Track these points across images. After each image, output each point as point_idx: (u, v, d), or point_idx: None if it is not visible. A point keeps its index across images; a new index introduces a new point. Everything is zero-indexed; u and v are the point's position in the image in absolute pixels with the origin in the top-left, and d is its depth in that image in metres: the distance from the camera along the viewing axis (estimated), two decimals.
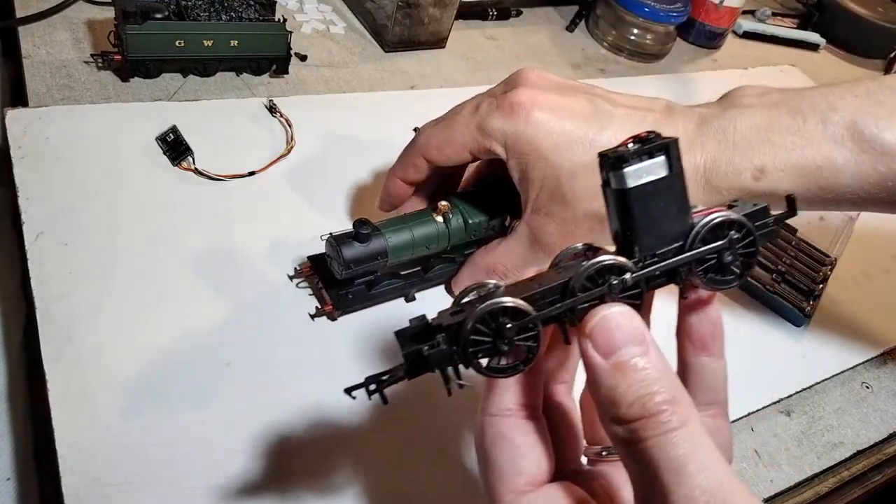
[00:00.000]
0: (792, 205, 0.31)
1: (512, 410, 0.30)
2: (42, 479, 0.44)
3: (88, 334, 0.44)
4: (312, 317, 0.51)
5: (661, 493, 0.23)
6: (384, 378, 0.27)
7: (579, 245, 0.31)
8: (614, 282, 0.28)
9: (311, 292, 0.52)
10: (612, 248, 0.29)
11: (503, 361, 0.28)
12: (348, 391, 0.27)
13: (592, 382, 0.26)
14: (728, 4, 1.02)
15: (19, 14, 0.64)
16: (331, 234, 0.48)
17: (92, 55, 0.63)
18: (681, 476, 0.23)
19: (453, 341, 0.26)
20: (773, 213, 0.31)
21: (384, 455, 0.45)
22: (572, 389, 0.34)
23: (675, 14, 0.94)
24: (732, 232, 0.29)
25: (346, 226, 0.49)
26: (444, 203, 0.52)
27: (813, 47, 1.21)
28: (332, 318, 0.51)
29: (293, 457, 0.43)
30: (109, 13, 0.61)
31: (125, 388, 0.43)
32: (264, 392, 0.46)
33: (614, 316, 0.26)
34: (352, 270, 0.48)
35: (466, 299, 0.28)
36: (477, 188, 0.56)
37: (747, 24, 1.16)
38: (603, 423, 0.26)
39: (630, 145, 0.27)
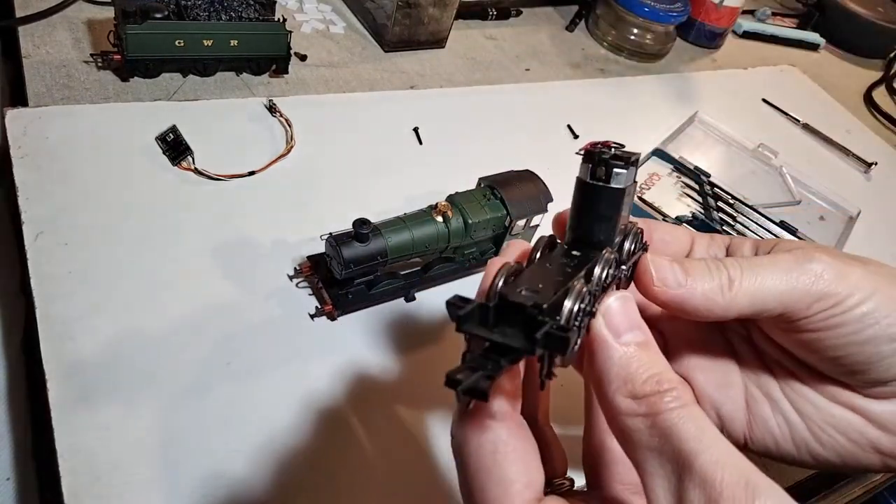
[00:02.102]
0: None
1: (507, 414, 0.28)
2: (42, 479, 0.44)
3: (88, 334, 0.44)
4: (312, 317, 0.51)
5: (687, 460, 0.23)
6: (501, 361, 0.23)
7: (545, 236, 0.32)
8: (619, 274, 0.29)
9: (311, 292, 0.52)
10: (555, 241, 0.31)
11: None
12: (460, 387, 0.22)
13: (604, 360, 0.27)
14: (728, 4, 1.02)
15: (19, 14, 0.64)
16: (331, 234, 0.48)
17: (92, 55, 0.63)
18: (702, 443, 0.24)
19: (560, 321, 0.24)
20: None
21: (384, 452, 0.45)
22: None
23: (674, 14, 0.94)
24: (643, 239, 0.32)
25: (346, 226, 0.49)
26: (444, 203, 0.52)
27: (813, 47, 1.21)
28: (332, 318, 0.51)
29: (293, 456, 0.43)
30: (109, 13, 0.61)
31: (125, 387, 0.43)
32: (264, 392, 0.46)
33: (625, 300, 0.28)
34: (352, 270, 0.48)
35: (503, 284, 0.26)
36: (477, 188, 0.56)
37: (747, 23, 1.16)
38: (611, 400, 0.26)
39: (612, 149, 0.29)
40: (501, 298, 0.25)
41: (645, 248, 0.32)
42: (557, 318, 0.24)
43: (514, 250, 0.32)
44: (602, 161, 0.29)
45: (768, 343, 0.35)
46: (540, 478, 0.27)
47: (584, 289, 0.26)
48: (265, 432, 0.44)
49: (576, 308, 0.25)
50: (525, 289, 0.25)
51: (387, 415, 0.47)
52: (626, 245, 0.31)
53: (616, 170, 0.29)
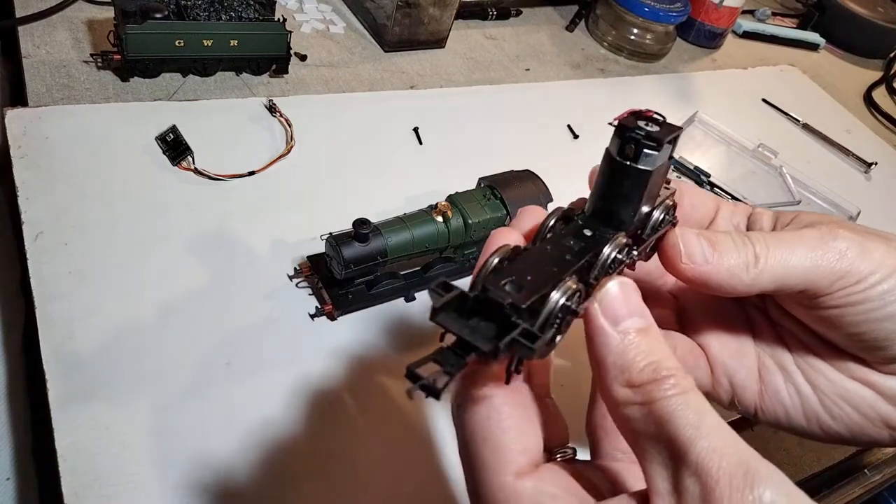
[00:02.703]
0: None
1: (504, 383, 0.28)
2: (42, 479, 0.44)
3: (88, 334, 0.44)
4: (312, 317, 0.51)
5: (682, 449, 0.23)
6: (466, 353, 0.23)
7: (559, 208, 0.30)
8: (628, 260, 0.28)
9: (311, 292, 0.52)
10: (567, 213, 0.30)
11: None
12: (418, 383, 0.22)
13: (601, 348, 0.26)
14: (728, 4, 1.02)
15: (19, 14, 0.64)
16: (331, 234, 0.48)
17: (92, 55, 0.63)
18: (700, 430, 0.23)
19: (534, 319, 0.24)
20: None
21: (385, 452, 0.45)
22: None
23: (674, 14, 0.94)
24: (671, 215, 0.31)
25: (346, 226, 0.49)
26: (444, 203, 0.52)
27: (813, 47, 1.21)
28: (332, 318, 0.51)
29: (293, 456, 0.43)
30: (109, 13, 0.61)
31: (125, 387, 0.43)
32: (264, 392, 0.46)
33: (625, 286, 0.27)
34: (352, 270, 0.48)
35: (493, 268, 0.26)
36: (477, 188, 0.56)
37: (747, 23, 1.16)
38: (608, 389, 0.26)
39: (647, 125, 0.27)
40: (483, 290, 0.24)
41: (674, 222, 0.31)
42: (532, 321, 0.23)
43: (526, 220, 0.31)
44: (632, 139, 0.27)
45: (784, 316, 0.35)
46: (537, 445, 0.27)
47: (574, 286, 0.25)
48: (265, 432, 0.44)
49: (558, 306, 0.24)
50: (510, 281, 0.24)
51: (387, 414, 0.47)
52: (656, 214, 0.29)
53: (646, 150, 0.27)
